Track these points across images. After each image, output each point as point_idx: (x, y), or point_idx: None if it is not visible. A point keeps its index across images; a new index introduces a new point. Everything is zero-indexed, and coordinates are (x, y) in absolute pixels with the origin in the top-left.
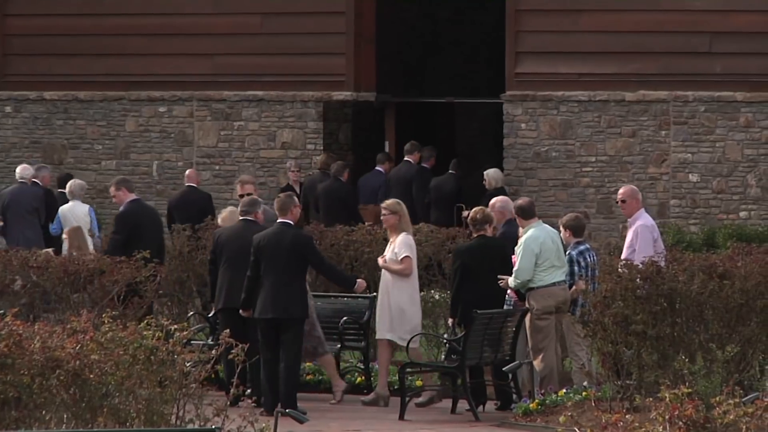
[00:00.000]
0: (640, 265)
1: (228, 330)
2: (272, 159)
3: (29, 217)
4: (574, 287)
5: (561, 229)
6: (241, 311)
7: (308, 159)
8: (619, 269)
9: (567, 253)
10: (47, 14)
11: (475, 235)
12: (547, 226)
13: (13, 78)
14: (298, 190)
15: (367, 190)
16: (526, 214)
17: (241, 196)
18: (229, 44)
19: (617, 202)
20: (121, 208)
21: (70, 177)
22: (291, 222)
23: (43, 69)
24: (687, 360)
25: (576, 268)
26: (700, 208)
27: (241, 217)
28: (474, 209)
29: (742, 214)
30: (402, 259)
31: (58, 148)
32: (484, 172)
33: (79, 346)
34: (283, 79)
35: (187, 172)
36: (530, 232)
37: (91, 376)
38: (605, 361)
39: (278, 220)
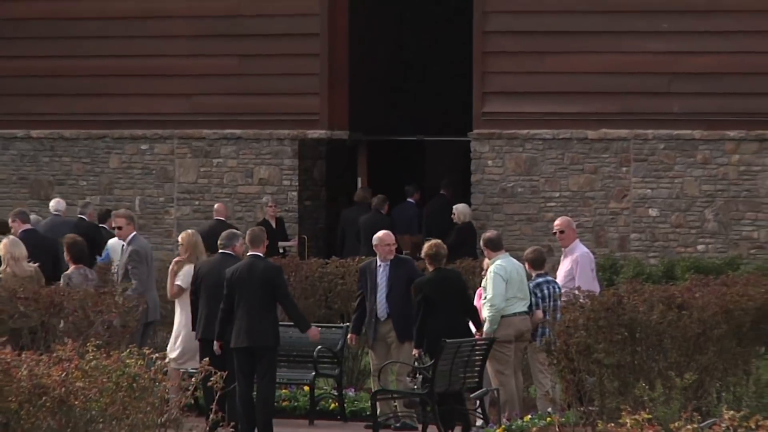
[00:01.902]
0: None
1: (207, 359)
2: (250, 195)
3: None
4: (533, 317)
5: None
6: (215, 343)
7: (284, 195)
8: (581, 300)
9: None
10: (32, 56)
11: (431, 269)
12: (513, 259)
13: (1, 117)
14: (274, 225)
15: (401, 221)
16: (495, 246)
17: (113, 228)
18: (208, 85)
19: (554, 233)
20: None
21: (109, 213)
22: (261, 254)
23: (29, 108)
24: (647, 387)
25: (533, 299)
26: (660, 241)
27: (220, 251)
28: (428, 244)
29: (700, 247)
30: None
31: (44, 184)
32: (453, 207)
33: (65, 373)
34: (259, 118)
35: (216, 206)
36: (498, 262)
37: (77, 402)
38: (568, 388)
39: (249, 253)
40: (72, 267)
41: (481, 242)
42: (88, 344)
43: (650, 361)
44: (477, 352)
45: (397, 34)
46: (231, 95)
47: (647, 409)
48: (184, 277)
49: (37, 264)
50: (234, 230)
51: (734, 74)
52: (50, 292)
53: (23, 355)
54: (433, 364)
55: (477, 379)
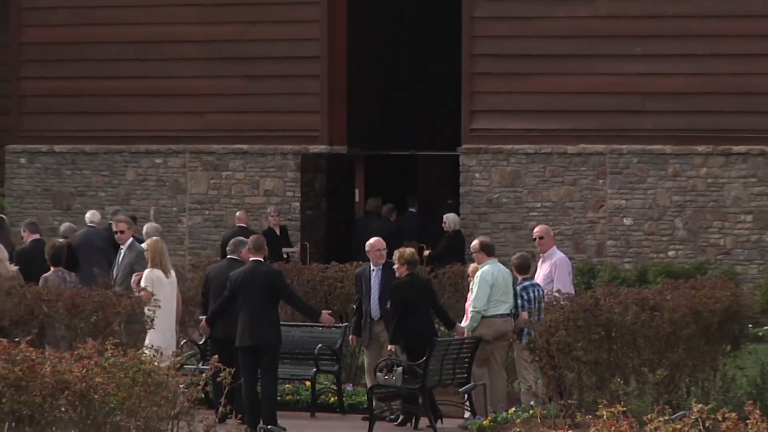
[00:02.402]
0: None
1: (216, 356)
2: (256, 205)
3: (96, 256)
4: (519, 318)
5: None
6: (204, 320)
7: (287, 205)
8: (562, 302)
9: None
10: (55, 77)
11: (406, 273)
12: (501, 265)
13: (27, 133)
14: (278, 233)
15: (405, 228)
16: (489, 251)
17: (116, 232)
18: (217, 104)
19: (534, 239)
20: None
21: (135, 219)
22: (262, 259)
23: (52, 125)
24: (622, 382)
25: (519, 301)
26: (634, 248)
27: (228, 256)
28: (401, 250)
29: (671, 253)
30: None
31: (66, 195)
32: (444, 216)
33: (85, 370)
34: (265, 135)
35: (237, 213)
36: (486, 267)
37: (96, 396)
38: (550, 383)
39: (251, 258)
40: (51, 269)
41: (477, 245)
42: (106, 342)
43: (625, 359)
44: (465, 350)
45: (392, 57)
46: (238, 113)
47: (622, 403)
48: (146, 280)
49: (16, 268)
50: (241, 237)
51: (702, 94)
52: (72, 294)
53: (46, 353)
54: (425, 361)
55: (465, 375)
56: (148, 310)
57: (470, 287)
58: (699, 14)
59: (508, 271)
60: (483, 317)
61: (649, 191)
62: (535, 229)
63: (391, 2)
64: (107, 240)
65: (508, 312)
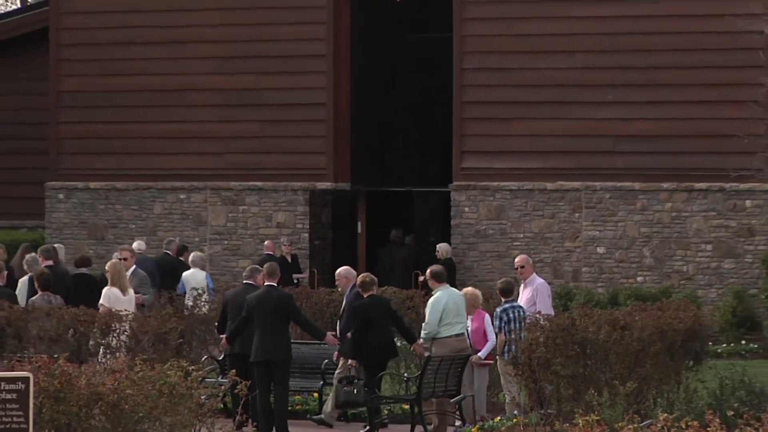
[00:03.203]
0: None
1: (234, 370)
2: (269, 236)
3: (146, 280)
4: (498, 339)
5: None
6: (224, 339)
7: (297, 236)
8: (542, 322)
9: (494, 311)
10: (90, 122)
11: (365, 295)
12: (453, 289)
13: (64, 172)
14: (289, 260)
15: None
16: (439, 278)
17: (120, 259)
18: (235, 145)
19: (516, 269)
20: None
21: (185, 248)
22: (275, 284)
23: (88, 165)
24: (596, 394)
25: (498, 322)
26: (606, 274)
27: (244, 281)
28: (362, 276)
29: (639, 279)
30: None
31: (100, 227)
32: (437, 246)
33: (117, 382)
34: (277, 173)
35: (265, 242)
36: (437, 294)
37: (126, 406)
38: (531, 394)
39: (266, 283)
40: (39, 293)
41: (428, 274)
42: (136, 358)
43: (598, 373)
44: (456, 365)
45: (390, 104)
46: (253, 154)
47: (596, 412)
48: (104, 297)
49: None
50: (256, 266)
51: (667, 137)
52: (105, 315)
53: (82, 367)
54: (420, 374)
55: (456, 387)
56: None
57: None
58: (664, 66)
59: (460, 294)
60: (438, 338)
61: (619, 223)
62: (516, 259)
63: (389, 55)
64: (156, 266)
65: (461, 332)
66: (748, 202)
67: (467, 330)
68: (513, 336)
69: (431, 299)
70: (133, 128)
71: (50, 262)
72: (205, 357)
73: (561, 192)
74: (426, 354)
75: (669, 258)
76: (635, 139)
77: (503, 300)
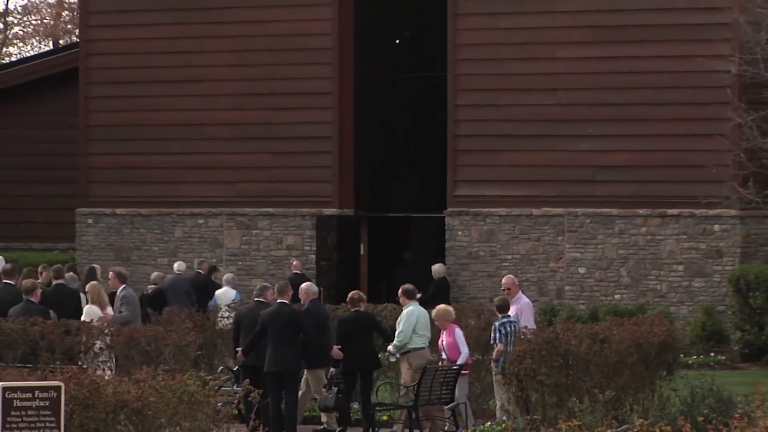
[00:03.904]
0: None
1: (248, 380)
2: (280, 257)
3: (182, 297)
4: (497, 348)
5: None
6: (240, 351)
7: (305, 257)
8: (528, 336)
9: (493, 324)
10: (116, 153)
11: (352, 310)
12: (421, 307)
13: (93, 199)
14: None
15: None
16: (410, 295)
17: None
18: (248, 175)
19: (503, 290)
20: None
21: (215, 268)
22: (287, 301)
23: (114, 193)
24: (577, 401)
25: (496, 335)
26: (587, 292)
27: (255, 299)
28: (351, 293)
29: (617, 296)
30: None
31: (126, 249)
32: (432, 266)
33: (141, 391)
34: (287, 200)
35: (294, 262)
36: (410, 308)
37: (149, 412)
38: (518, 401)
39: (278, 300)
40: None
41: (400, 291)
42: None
43: (580, 382)
44: (450, 375)
45: (390, 137)
46: (265, 182)
47: (578, 418)
48: (85, 314)
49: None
50: (265, 284)
51: (643, 167)
52: (129, 330)
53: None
54: (418, 383)
55: (450, 395)
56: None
57: (397, 324)
58: (640, 102)
59: (425, 311)
60: (413, 350)
61: (599, 246)
62: (503, 281)
63: (389, 92)
64: (191, 284)
65: (425, 345)
66: (716, 227)
67: (443, 343)
68: (511, 348)
69: (404, 313)
70: (155, 159)
71: (60, 281)
72: (222, 367)
73: (546, 217)
74: (392, 359)
75: (644, 277)
76: (613, 169)
77: (500, 315)
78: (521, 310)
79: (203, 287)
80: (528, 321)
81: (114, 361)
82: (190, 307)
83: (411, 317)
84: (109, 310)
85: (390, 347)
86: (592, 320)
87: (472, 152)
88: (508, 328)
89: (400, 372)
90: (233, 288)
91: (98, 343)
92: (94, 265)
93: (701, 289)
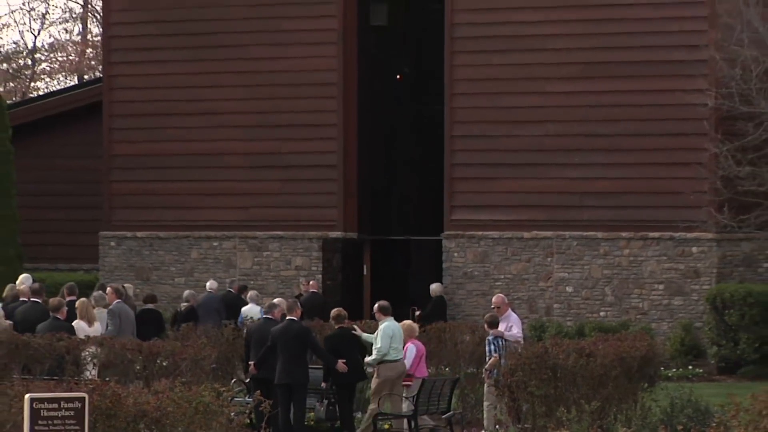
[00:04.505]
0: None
1: (258, 391)
2: (288, 277)
3: (213, 314)
4: (491, 360)
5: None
6: (252, 365)
7: (313, 277)
8: (520, 350)
9: (486, 339)
10: (137, 181)
11: (336, 327)
12: (395, 322)
13: (115, 223)
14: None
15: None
16: (385, 311)
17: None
18: (259, 201)
19: (493, 308)
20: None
21: (245, 287)
22: (296, 318)
23: (135, 217)
24: (565, 411)
25: (491, 347)
26: (574, 309)
27: (264, 315)
28: (334, 311)
29: (602, 313)
30: None
31: (146, 269)
32: (430, 286)
33: (159, 402)
34: (295, 224)
35: (311, 282)
36: (386, 323)
37: (167, 422)
38: (510, 411)
39: (287, 317)
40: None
41: (376, 307)
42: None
43: (567, 393)
44: (446, 386)
45: (391, 164)
46: (275, 208)
47: (565, 427)
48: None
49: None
50: (273, 302)
51: (626, 193)
52: (150, 345)
53: (130, 388)
54: (417, 394)
55: (447, 405)
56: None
57: (374, 338)
58: (623, 133)
59: (399, 327)
60: (387, 362)
61: (585, 266)
62: (493, 299)
63: (391, 123)
64: (222, 302)
65: (400, 357)
66: (694, 249)
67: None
68: (502, 360)
69: (381, 328)
70: (173, 186)
71: (73, 297)
72: (234, 380)
73: (536, 240)
74: (369, 370)
75: (627, 296)
76: (599, 195)
77: (490, 331)
78: (511, 325)
79: (233, 305)
80: (518, 335)
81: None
82: (220, 322)
83: (387, 332)
84: (96, 326)
85: (368, 359)
86: (579, 336)
87: (468, 180)
88: (500, 342)
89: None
90: (257, 304)
91: (87, 353)
92: (126, 284)
93: (680, 306)
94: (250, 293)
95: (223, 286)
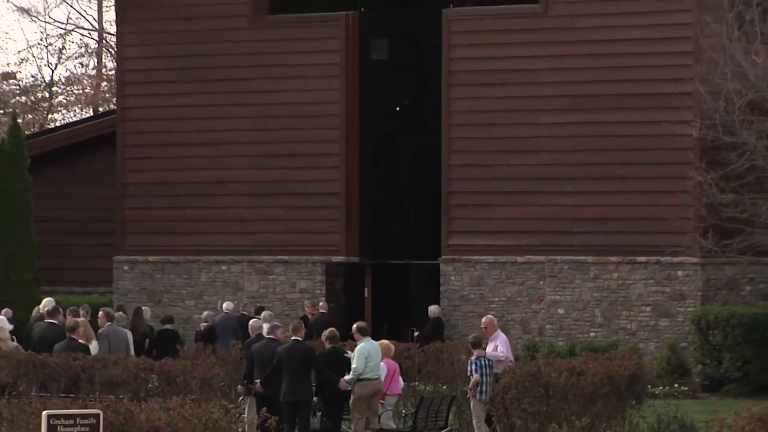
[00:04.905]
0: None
1: (264, 408)
2: (293, 299)
3: (229, 334)
4: (473, 379)
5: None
6: (258, 383)
7: (316, 299)
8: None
9: (470, 359)
10: (149, 207)
11: (329, 346)
12: (374, 342)
13: (129, 248)
14: (310, 319)
15: None
16: (363, 332)
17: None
18: (265, 227)
19: (482, 328)
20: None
21: (262, 308)
22: (300, 338)
23: (147, 242)
24: (557, 427)
25: (473, 367)
26: (565, 330)
27: (267, 335)
28: (328, 331)
29: (592, 334)
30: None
31: (157, 292)
32: (428, 307)
33: (171, 418)
34: (300, 249)
35: (320, 303)
36: (362, 344)
37: None
38: (504, 427)
39: (292, 338)
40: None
41: (354, 328)
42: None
43: (559, 410)
44: (444, 403)
45: (391, 192)
46: (281, 233)
47: None
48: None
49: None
50: (276, 323)
51: (615, 220)
52: (164, 364)
53: (142, 405)
54: (416, 411)
55: (444, 421)
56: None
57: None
58: (612, 162)
59: (377, 346)
60: (363, 380)
61: (576, 289)
62: (482, 320)
63: (391, 154)
64: (238, 323)
65: (379, 375)
66: (679, 273)
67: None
68: (484, 379)
69: (357, 348)
70: (183, 213)
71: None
72: (242, 397)
73: (529, 264)
74: (348, 387)
75: (616, 317)
76: (589, 221)
77: (474, 351)
78: (499, 344)
79: (247, 325)
80: (507, 353)
81: None
82: (235, 342)
83: (362, 352)
84: (94, 344)
85: (345, 378)
86: (570, 355)
87: (464, 206)
88: (483, 362)
89: (394, 400)
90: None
91: None
92: (144, 306)
93: (666, 327)
94: (264, 313)
95: (237, 308)
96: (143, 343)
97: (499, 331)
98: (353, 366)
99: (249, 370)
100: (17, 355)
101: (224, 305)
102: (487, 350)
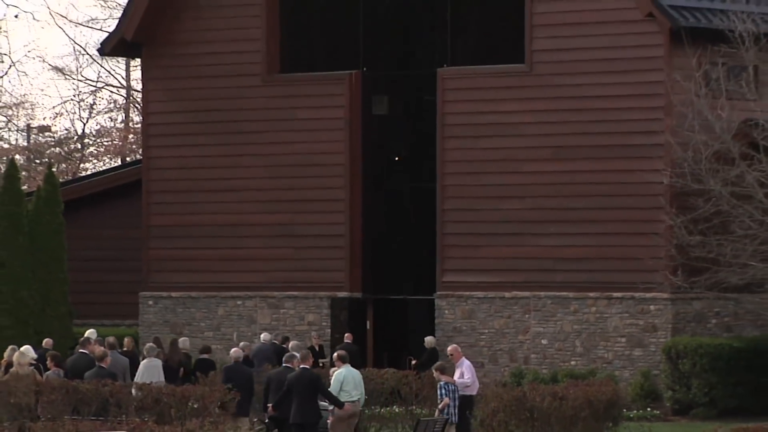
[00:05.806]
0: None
1: (276, 429)
2: (302, 331)
3: (264, 362)
4: (442, 403)
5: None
6: (270, 407)
7: (323, 331)
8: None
9: (438, 384)
10: (172, 248)
11: (341, 366)
12: (352, 369)
13: (153, 284)
14: (317, 349)
15: None
16: (343, 359)
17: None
18: (276, 265)
19: (449, 355)
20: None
21: (287, 338)
22: (308, 366)
23: (170, 279)
24: None
25: (442, 392)
26: (548, 359)
27: (284, 364)
28: (339, 350)
29: (572, 362)
30: None
31: (179, 324)
32: (425, 338)
33: None
34: (308, 285)
35: (346, 334)
36: (339, 371)
37: None
38: None
39: (300, 366)
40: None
41: (335, 356)
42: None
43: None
44: (439, 425)
45: (392, 234)
46: (290, 271)
47: None
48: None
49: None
50: (293, 353)
51: (593, 259)
52: (183, 389)
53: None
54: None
55: None
56: None
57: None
58: (590, 207)
59: (358, 372)
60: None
61: (558, 322)
62: (448, 349)
63: (391, 198)
64: (273, 352)
65: (356, 398)
66: (652, 307)
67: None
68: (452, 403)
69: (335, 374)
70: (203, 252)
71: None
72: (256, 419)
73: (515, 299)
74: (351, 409)
75: (594, 347)
76: (570, 260)
77: (441, 377)
78: (465, 371)
79: (281, 353)
80: (472, 378)
81: None
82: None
83: (338, 377)
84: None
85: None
86: (553, 382)
87: (457, 247)
88: (451, 387)
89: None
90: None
91: None
92: (182, 338)
93: (640, 356)
94: (291, 344)
95: (278, 339)
96: (178, 371)
97: (463, 358)
98: (330, 389)
99: (266, 395)
100: (33, 378)
101: (261, 336)
102: (456, 376)
